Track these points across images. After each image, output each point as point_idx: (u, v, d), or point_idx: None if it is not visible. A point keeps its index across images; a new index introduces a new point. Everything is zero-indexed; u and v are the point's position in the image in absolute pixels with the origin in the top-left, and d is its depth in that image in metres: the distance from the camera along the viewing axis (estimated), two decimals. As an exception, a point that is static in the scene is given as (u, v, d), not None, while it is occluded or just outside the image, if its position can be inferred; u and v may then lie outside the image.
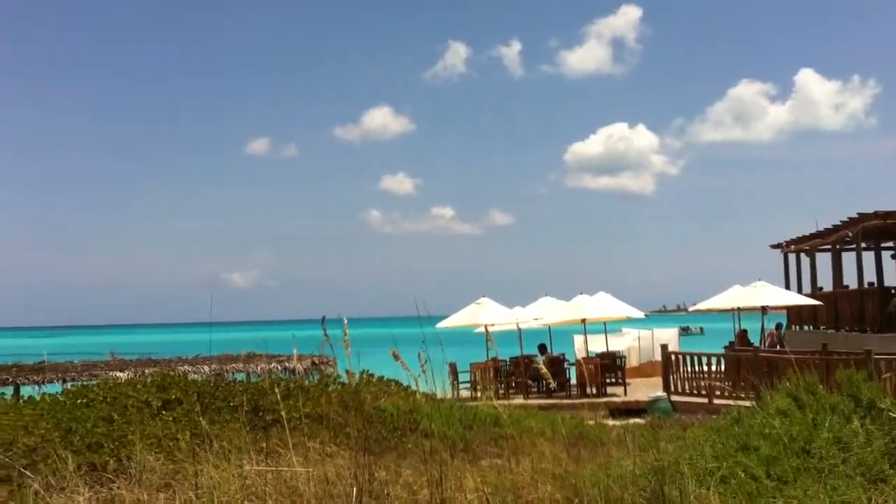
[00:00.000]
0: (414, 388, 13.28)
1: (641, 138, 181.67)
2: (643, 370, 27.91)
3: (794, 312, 30.03)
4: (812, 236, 28.63)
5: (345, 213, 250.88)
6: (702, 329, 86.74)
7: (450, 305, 25.52)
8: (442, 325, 23.36)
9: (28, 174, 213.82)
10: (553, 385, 19.97)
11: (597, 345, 26.29)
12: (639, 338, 29.95)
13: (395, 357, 7.14)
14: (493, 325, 24.48)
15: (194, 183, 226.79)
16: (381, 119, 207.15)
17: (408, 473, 7.08)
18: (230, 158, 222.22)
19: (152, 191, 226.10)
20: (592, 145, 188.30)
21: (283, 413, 7.43)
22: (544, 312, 25.60)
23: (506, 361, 24.87)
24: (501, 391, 22.65)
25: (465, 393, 22.43)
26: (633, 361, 27.97)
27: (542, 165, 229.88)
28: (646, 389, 22.75)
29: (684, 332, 38.75)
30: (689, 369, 21.04)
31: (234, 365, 17.61)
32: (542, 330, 26.16)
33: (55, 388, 14.88)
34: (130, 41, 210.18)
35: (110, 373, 15.93)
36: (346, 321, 6.80)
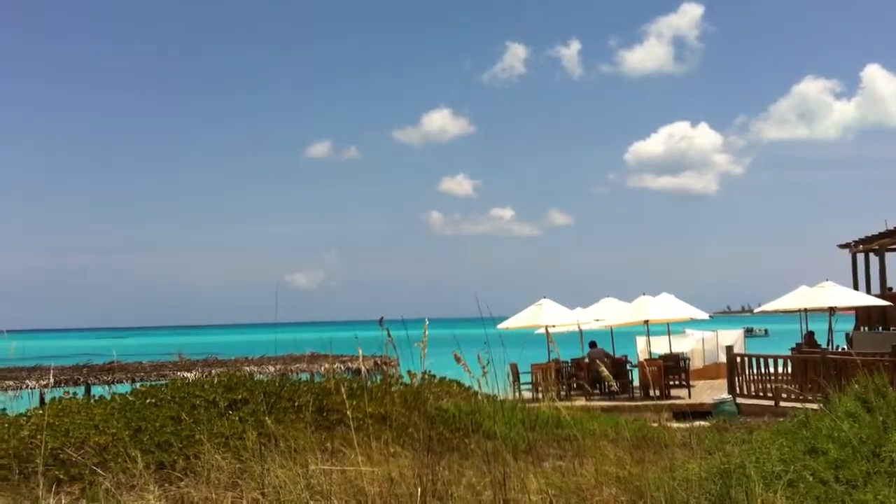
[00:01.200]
0: (475, 388, 13.34)
1: (704, 137, 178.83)
2: (707, 372, 27.53)
3: (863, 313, 29.29)
4: (881, 235, 27.94)
5: (406, 214, 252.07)
6: (766, 331, 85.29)
7: (509, 306, 25.49)
8: (503, 326, 23.34)
9: (94, 178, 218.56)
10: (615, 387, 19.80)
11: (659, 346, 26.00)
12: (702, 339, 29.53)
13: (458, 360, 7.18)
14: (553, 326, 24.40)
15: (258, 186, 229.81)
16: (441, 121, 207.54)
17: (470, 474, 7.09)
18: (293, 162, 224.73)
19: (217, 195, 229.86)
20: (653, 144, 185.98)
21: (347, 413, 7.48)
22: (606, 313, 25.42)
23: (567, 363, 24.74)
24: (563, 393, 22.53)
25: (526, 394, 22.37)
26: (696, 363, 27.60)
27: (602, 165, 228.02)
28: (710, 392, 22.45)
29: (748, 333, 38.13)
30: (755, 371, 20.70)
31: (298, 365, 17.78)
32: (604, 331, 25.97)
33: (124, 388, 15.20)
34: (191, 50, 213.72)
35: (178, 373, 16.21)
36: (427, 322, 6.83)
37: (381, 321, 7.88)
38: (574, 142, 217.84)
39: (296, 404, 11.71)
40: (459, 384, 14.70)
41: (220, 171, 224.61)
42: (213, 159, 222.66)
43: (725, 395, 20.39)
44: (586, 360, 23.43)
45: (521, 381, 23.41)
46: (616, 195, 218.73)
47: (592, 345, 24.08)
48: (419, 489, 5.63)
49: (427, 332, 7.00)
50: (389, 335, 7.57)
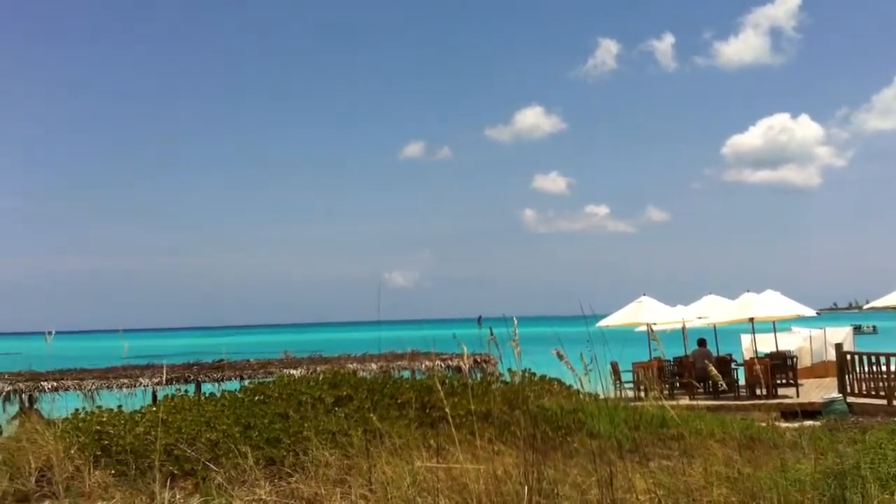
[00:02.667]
0: (576, 387, 13.26)
1: (805, 129, 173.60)
2: (815, 371, 26.75)
3: (979, 309, 28.03)
4: None
5: (499, 212, 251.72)
6: (874, 328, 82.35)
7: (607, 304, 25.27)
8: (602, 323, 23.13)
9: (197, 180, 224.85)
10: (723, 386, 19.41)
11: (765, 344, 25.36)
12: (810, 337, 28.68)
13: (560, 357, 7.14)
14: (654, 323, 24.06)
15: (355, 188, 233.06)
16: (533, 119, 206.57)
17: (575, 473, 7.06)
18: (387, 162, 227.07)
19: (316, 197, 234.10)
20: (752, 138, 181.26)
21: (455, 411, 7.51)
22: (709, 311, 24.92)
23: (669, 361, 24.36)
24: (666, 391, 22.20)
25: (627, 393, 22.11)
26: (804, 362, 26.82)
27: (699, 160, 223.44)
28: (819, 391, 21.81)
29: (856, 331, 36.86)
30: (867, 370, 20.00)
31: (399, 363, 17.97)
32: (707, 329, 25.50)
33: (233, 385, 15.63)
34: (286, 53, 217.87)
35: (284, 370, 16.57)
36: (515, 320, 6.85)
37: (479, 319, 7.91)
38: (669, 137, 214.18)
39: (399, 401, 11.85)
40: (560, 382, 14.61)
41: (317, 172, 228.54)
42: (312, 162, 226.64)
43: (835, 395, 19.77)
44: (691, 358, 23.03)
45: (623, 379, 23.17)
46: (713, 190, 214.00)
47: (701, 343, 23.65)
48: (526, 487, 5.63)
49: (517, 330, 7.00)
50: (492, 333, 7.60)
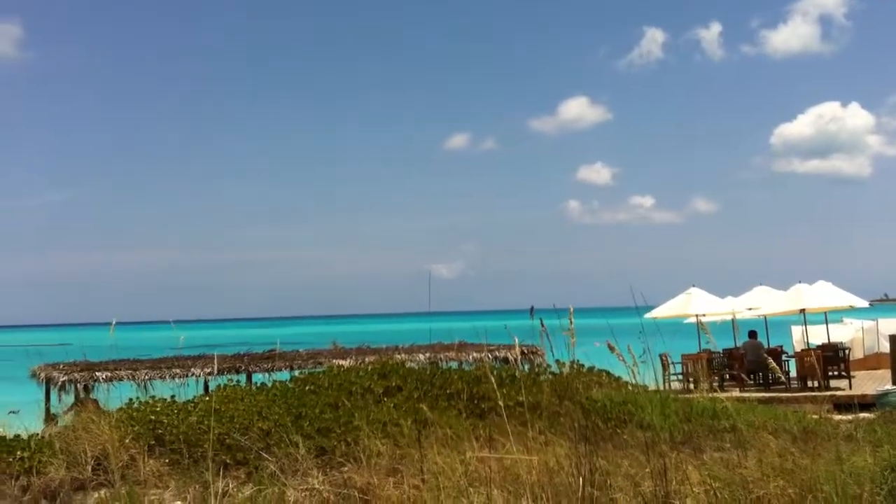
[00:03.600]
0: (625, 378, 13.17)
1: (855, 118, 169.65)
2: (868, 362, 26.29)
3: None
4: None
5: (544, 203, 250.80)
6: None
7: (654, 296, 24.99)
8: (650, 315, 22.96)
9: (256, 178, 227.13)
10: (782, 378, 19.18)
11: (817, 336, 24.99)
12: (862, 328, 28.21)
13: (611, 348, 7.12)
14: (703, 315, 23.82)
15: (399, 180, 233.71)
16: (577, 109, 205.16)
17: (627, 465, 7.03)
18: (432, 154, 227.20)
19: (361, 190, 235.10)
20: (801, 127, 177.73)
21: (499, 401, 7.51)
22: (760, 302, 24.60)
23: (719, 353, 24.12)
24: (715, 383, 21.99)
25: (676, 385, 21.94)
26: (857, 353, 26.40)
27: (747, 150, 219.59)
28: (872, 383, 21.44)
29: (908, 321, 36.14)
30: (922, 361, 19.64)
31: (447, 353, 18.00)
32: (757, 320, 25.19)
33: (283, 375, 15.78)
34: (330, 47, 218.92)
35: (333, 361, 16.69)
36: (571, 309, 6.83)
37: (531, 310, 7.90)
38: (716, 126, 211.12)
39: (448, 392, 11.89)
40: (609, 374, 14.54)
41: (362, 165, 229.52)
42: (356, 155, 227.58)
43: (890, 386, 19.43)
44: (743, 350, 22.78)
45: (672, 371, 22.99)
46: (762, 180, 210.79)
47: (752, 335, 23.37)
48: (581, 479, 5.62)
49: (572, 320, 6.98)
50: (543, 325, 7.59)
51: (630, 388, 12.66)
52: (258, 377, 16.51)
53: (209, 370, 16.78)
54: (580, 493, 5.55)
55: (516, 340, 6.84)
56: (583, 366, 15.17)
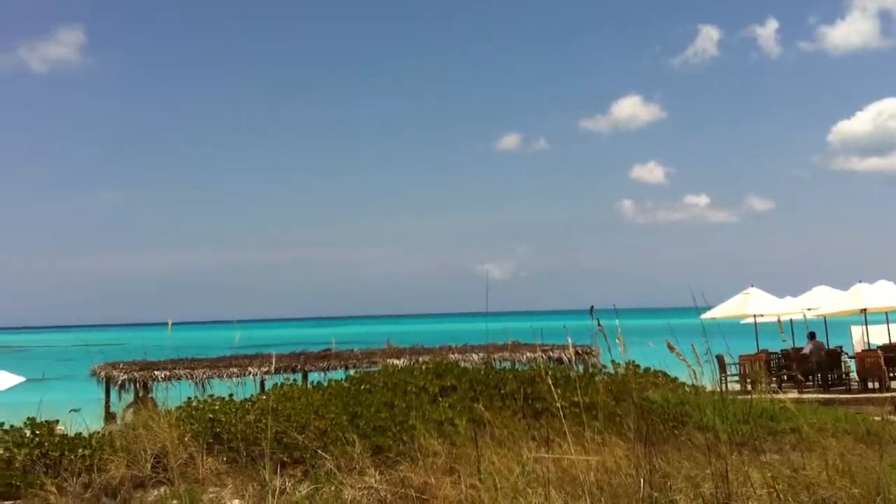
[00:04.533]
0: (682, 379, 13.00)
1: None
2: (932, 364, 25.66)
3: None
4: None
5: (597, 203, 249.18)
6: None
7: (710, 296, 24.63)
8: (707, 315, 22.63)
9: (313, 181, 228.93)
10: (851, 379, 18.82)
11: (878, 336, 24.46)
12: (925, 329, 27.56)
13: (671, 348, 7.03)
14: (761, 315, 23.49)
15: (452, 180, 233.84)
16: (631, 108, 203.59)
17: (687, 466, 6.94)
18: (484, 154, 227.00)
19: (415, 190, 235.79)
20: (859, 124, 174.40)
21: (557, 403, 7.46)
22: (819, 302, 24.18)
23: (777, 354, 23.74)
24: (773, 385, 21.64)
25: (733, 386, 21.64)
26: (920, 354, 25.78)
27: (803, 148, 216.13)
28: (936, 384, 20.95)
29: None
30: None
31: (500, 354, 17.97)
32: (816, 321, 24.75)
33: (339, 374, 15.88)
34: (387, 47, 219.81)
35: (388, 360, 16.76)
36: (615, 307, 6.76)
37: (591, 310, 7.85)
38: (772, 124, 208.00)
39: (502, 392, 11.86)
40: (665, 375, 14.39)
41: (415, 164, 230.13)
42: (409, 155, 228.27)
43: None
44: (805, 350, 22.41)
45: (729, 372, 22.69)
46: (819, 179, 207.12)
47: (812, 336, 22.97)
48: (642, 480, 5.56)
49: (619, 322, 6.92)
50: (600, 325, 7.52)
51: (687, 389, 12.52)
52: (314, 376, 16.62)
53: (266, 369, 16.95)
54: (640, 495, 5.49)
55: (570, 341, 6.79)
56: (639, 366, 15.04)
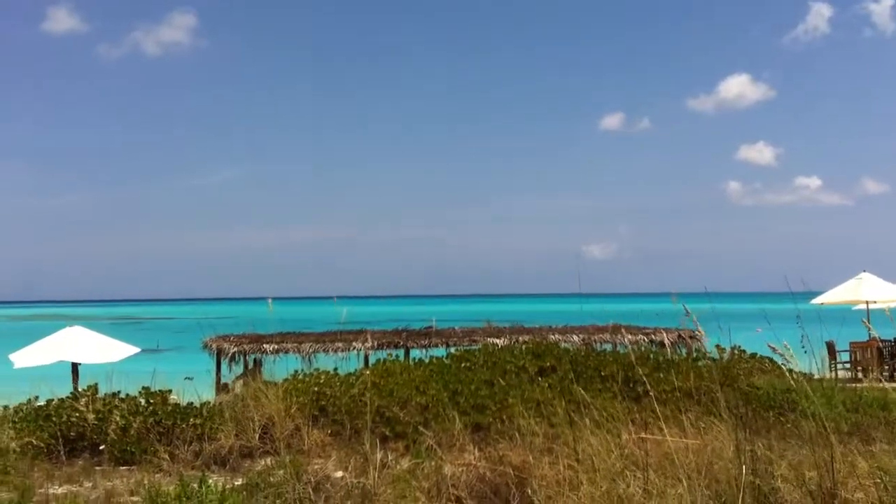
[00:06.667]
0: (788, 366, 12.72)
1: None
2: None
3: None
4: None
5: (701, 185, 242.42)
6: None
7: (822, 280, 23.89)
8: (817, 301, 22.01)
9: (416, 163, 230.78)
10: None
11: None
12: None
13: (773, 349, 6.91)
14: (875, 301, 22.68)
15: (553, 160, 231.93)
16: (738, 87, 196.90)
17: (790, 455, 6.81)
18: (586, 134, 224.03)
19: (514, 170, 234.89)
20: None
21: (657, 387, 7.43)
22: (938, 288, 23.20)
23: (890, 342, 22.90)
24: (885, 373, 20.90)
25: (843, 374, 21.00)
26: None
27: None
28: None
29: None
30: None
31: (601, 335, 17.84)
32: (933, 308, 23.76)
33: (440, 351, 16.04)
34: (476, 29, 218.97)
35: (488, 339, 16.84)
36: (705, 289, 6.66)
37: (672, 296, 7.74)
38: (888, 103, 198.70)
39: (602, 374, 11.81)
40: (772, 361, 14.08)
41: (516, 144, 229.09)
42: (511, 134, 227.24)
43: None
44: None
45: (839, 360, 22.02)
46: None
47: None
48: (744, 466, 5.50)
49: (721, 307, 6.79)
50: (687, 311, 7.42)
51: (794, 376, 12.24)
52: (415, 353, 16.84)
53: (369, 345, 17.25)
54: (741, 481, 5.43)
55: (680, 324, 6.72)
56: (744, 352, 14.75)
